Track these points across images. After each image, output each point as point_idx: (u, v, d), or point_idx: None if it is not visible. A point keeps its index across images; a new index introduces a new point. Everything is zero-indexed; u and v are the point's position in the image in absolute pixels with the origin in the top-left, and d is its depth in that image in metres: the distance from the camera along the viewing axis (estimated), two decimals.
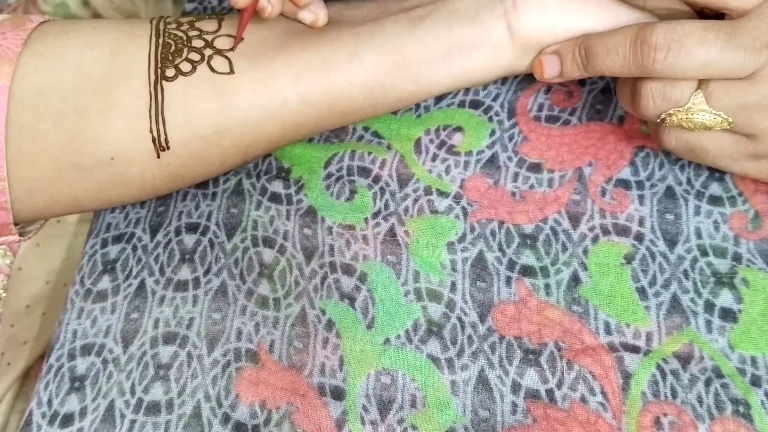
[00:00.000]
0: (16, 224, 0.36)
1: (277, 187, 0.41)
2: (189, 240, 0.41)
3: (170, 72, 0.36)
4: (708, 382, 0.34)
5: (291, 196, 0.41)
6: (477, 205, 0.39)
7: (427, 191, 0.40)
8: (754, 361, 0.34)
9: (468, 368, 0.35)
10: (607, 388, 0.34)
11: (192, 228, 0.41)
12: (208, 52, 0.36)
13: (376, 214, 0.40)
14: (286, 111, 0.37)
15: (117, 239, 0.42)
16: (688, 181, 0.38)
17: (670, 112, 0.34)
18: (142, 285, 0.40)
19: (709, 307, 0.35)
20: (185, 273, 0.40)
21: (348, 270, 0.38)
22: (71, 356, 0.38)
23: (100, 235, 0.42)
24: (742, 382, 0.33)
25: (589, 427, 0.33)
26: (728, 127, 0.33)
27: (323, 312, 0.37)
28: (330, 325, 0.37)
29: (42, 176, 0.35)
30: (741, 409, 0.33)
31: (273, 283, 0.39)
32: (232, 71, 0.36)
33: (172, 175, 0.37)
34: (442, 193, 0.40)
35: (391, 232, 0.39)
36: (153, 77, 0.35)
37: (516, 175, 0.40)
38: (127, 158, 0.36)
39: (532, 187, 0.39)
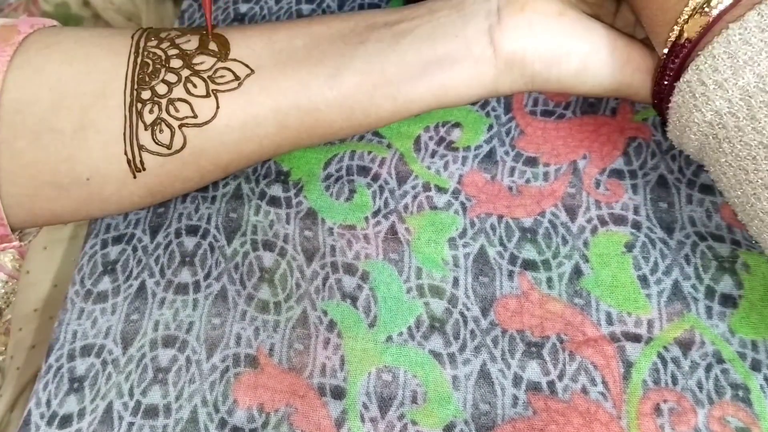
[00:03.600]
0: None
1: (276, 190, 0.42)
2: (189, 242, 0.41)
3: (146, 94, 0.35)
4: (708, 368, 0.34)
5: (290, 199, 0.41)
6: (475, 200, 0.40)
7: (426, 187, 0.41)
8: (754, 345, 0.35)
9: (470, 363, 0.36)
10: (608, 378, 0.35)
11: (192, 231, 0.42)
12: (185, 72, 0.36)
13: (376, 213, 0.40)
14: (264, 134, 0.37)
15: (117, 240, 0.42)
16: (680, 170, 0.40)
17: None
18: (142, 286, 0.40)
19: (710, 293, 0.36)
20: (185, 276, 0.40)
21: (350, 270, 0.39)
22: (71, 357, 0.39)
23: (100, 235, 0.43)
24: (742, 367, 0.34)
25: (588, 417, 0.34)
26: None
27: (325, 313, 0.38)
28: (332, 325, 0.38)
29: (21, 193, 0.35)
30: (740, 393, 0.34)
31: (274, 287, 0.39)
32: (208, 94, 0.36)
33: (151, 191, 0.37)
34: (440, 189, 0.41)
35: (392, 230, 0.40)
36: (128, 99, 0.35)
37: (512, 170, 0.41)
38: (103, 178, 0.36)
39: (528, 181, 0.40)
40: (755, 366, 0.34)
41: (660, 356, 0.35)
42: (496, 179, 0.40)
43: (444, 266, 0.38)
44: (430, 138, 0.42)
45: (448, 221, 0.40)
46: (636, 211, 0.39)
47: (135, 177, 0.36)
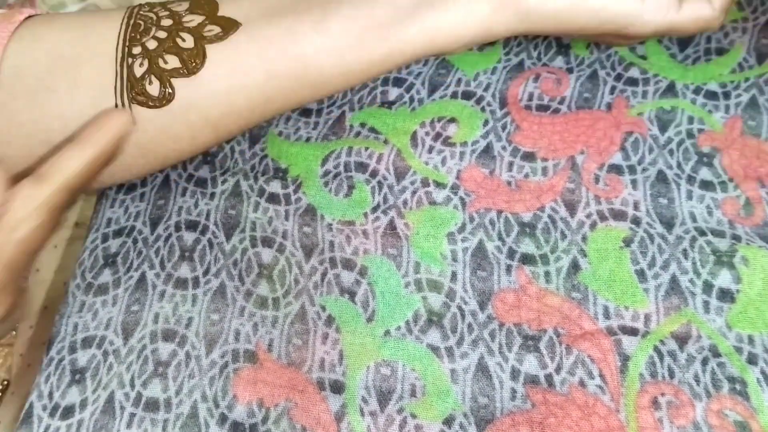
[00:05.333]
0: None
1: (275, 187, 0.42)
2: (189, 237, 0.41)
3: (136, 49, 0.36)
4: (705, 361, 0.35)
5: (289, 196, 0.41)
6: (474, 195, 0.40)
7: (424, 183, 0.41)
8: (751, 339, 0.35)
9: (468, 356, 0.36)
10: (605, 371, 0.35)
11: (192, 225, 0.42)
12: (174, 29, 0.37)
13: (375, 209, 0.40)
14: (253, 84, 0.37)
15: (117, 233, 0.42)
16: (678, 166, 0.40)
17: None
18: (142, 278, 0.40)
19: (708, 287, 0.36)
20: (185, 271, 0.40)
21: (348, 265, 0.39)
22: (72, 349, 0.39)
23: (101, 230, 0.43)
24: (739, 361, 0.34)
25: (587, 410, 0.34)
26: None
27: (323, 308, 0.38)
28: (330, 320, 0.38)
29: (15, 154, 0.36)
30: (737, 386, 0.34)
31: (272, 283, 0.39)
32: (196, 46, 0.36)
33: (143, 150, 0.38)
34: (439, 185, 0.41)
35: (391, 225, 0.40)
36: (119, 55, 0.36)
37: (511, 165, 0.41)
38: None
39: (527, 176, 0.40)
40: (751, 360, 0.34)
41: (656, 350, 0.35)
42: (494, 174, 0.40)
43: (442, 261, 0.38)
44: (426, 133, 0.42)
45: (448, 216, 0.40)
46: (636, 207, 0.39)
47: None
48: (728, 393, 0.34)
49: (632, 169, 0.40)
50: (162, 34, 0.36)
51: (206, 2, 0.38)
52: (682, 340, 0.35)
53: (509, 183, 0.40)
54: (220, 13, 0.37)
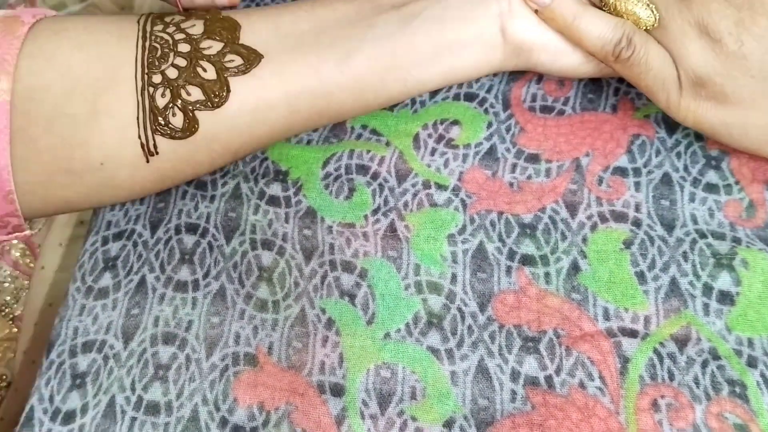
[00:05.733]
0: None
1: (275, 189, 0.42)
2: (189, 240, 0.41)
3: (157, 78, 0.36)
4: (704, 364, 0.35)
5: (290, 198, 0.42)
6: (476, 197, 0.40)
7: (426, 185, 0.41)
8: (750, 342, 0.35)
9: (468, 358, 0.36)
10: (605, 373, 0.35)
11: (191, 228, 0.42)
12: (193, 56, 0.37)
13: (375, 211, 0.41)
14: (275, 118, 0.38)
15: (117, 236, 0.42)
16: (685, 168, 0.40)
17: None
18: (142, 281, 0.40)
19: (708, 290, 0.36)
20: (185, 274, 0.40)
21: (348, 267, 0.39)
22: (72, 353, 0.39)
23: (100, 232, 0.43)
24: (738, 363, 0.34)
25: (587, 412, 0.34)
26: (654, 23, 0.36)
27: (323, 311, 0.38)
28: (330, 323, 0.38)
29: (34, 180, 0.36)
30: (737, 389, 0.34)
31: (272, 285, 0.39)
32: (219, 78, 0.36)
33: (162, 177, 0.38)
34: (440, 187, 0.41)
35: (391, 228, 0.40)
36: (140, 83, 0.36)
37: (514, 166, 0.41)
38: (116, 163, 0.36)
39: (529, 177, 0.40)
40: (751, 363, 0.34)
41: (656, 352, 0.35)
42: (497, 176, 0.41)
43: (442, 262, 0.39)
44: (429, 136, 0.42)
45: (448, 218, 0.40)
46: (637, 209, 0.39)
47: (148, 161, 0.37)
48: (728, 396, 0.34)
49: (637, 172, 0.40)
50: (181, 62, 0.36)
51: (222, 27, 0.38)
52: (681, 342, 0.35)
53: (511, 184, 0.40)
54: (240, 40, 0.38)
